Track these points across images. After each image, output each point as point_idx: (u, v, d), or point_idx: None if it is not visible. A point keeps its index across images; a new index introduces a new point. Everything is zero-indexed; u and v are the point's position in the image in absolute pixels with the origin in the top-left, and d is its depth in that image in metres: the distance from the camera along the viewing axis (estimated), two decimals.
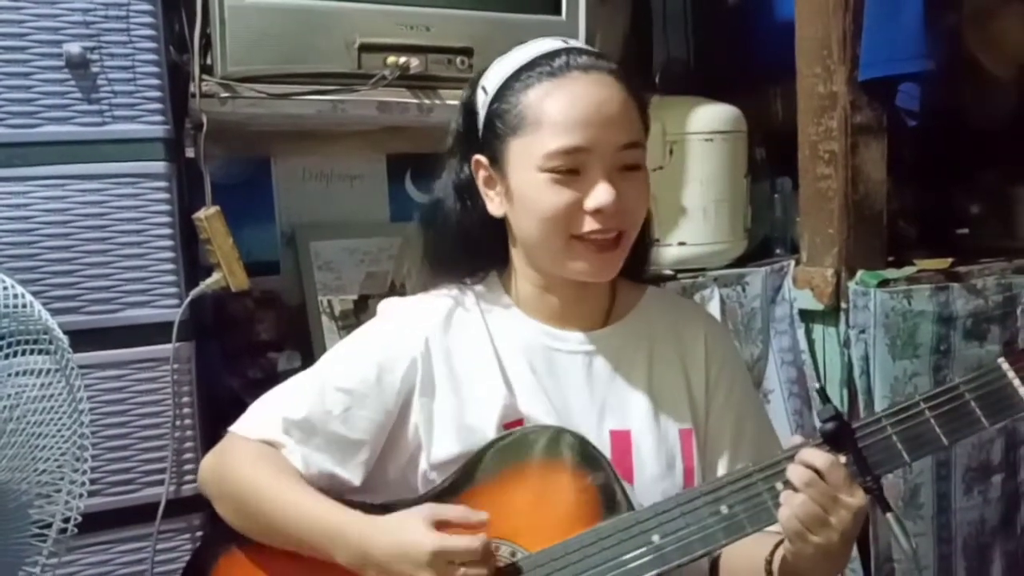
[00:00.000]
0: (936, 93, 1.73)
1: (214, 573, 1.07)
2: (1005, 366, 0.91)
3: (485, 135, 1.05)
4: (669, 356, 1.10)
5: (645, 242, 1.12)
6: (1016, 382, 0.90)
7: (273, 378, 1.56)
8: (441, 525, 0.93)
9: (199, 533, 1.40)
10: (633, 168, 1.01)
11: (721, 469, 1.06)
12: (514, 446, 1.01)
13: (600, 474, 0.97)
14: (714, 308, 1.74)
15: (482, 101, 1.06)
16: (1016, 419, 1.78)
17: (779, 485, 0.91)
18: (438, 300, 1.09)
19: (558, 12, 1.63)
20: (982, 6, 1.93)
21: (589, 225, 0.99)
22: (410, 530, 0.93)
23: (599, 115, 0.98)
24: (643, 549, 0.92)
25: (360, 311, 1.71)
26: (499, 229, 1.08)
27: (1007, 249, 1.97)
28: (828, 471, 0.89)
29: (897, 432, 0.91)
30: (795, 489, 0.89)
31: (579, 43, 1.07)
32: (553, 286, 1.07)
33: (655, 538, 0.92)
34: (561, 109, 0.98)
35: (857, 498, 0.89)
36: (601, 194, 0.98)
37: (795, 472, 0.90)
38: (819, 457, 0.90)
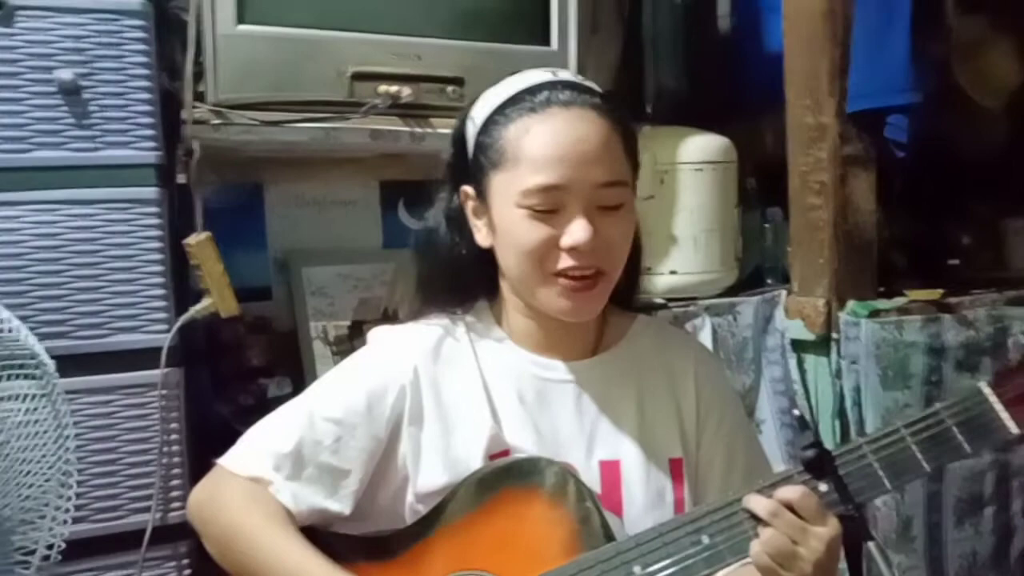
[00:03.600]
0: (924, 124, 1.75)
1: None
2: (987, 391, 0.90)
3: (472, 166, 1.05)
4: (659, 385, 1.09)
5: (635, 271, 1.12)
6: (998, 407, 0.89)
7: (263, 404, 1.55)
8: None
9: (185, 561, 1.38)
10: (615, 208, 1.01)
11: (712, 499, 1.05)
12: (497, 476, 1.00)
13: (582, 504, 0.96)
14: (706, 337, 1.74)
15: (470, 132, 1.06)
16: (1008, 451, 1.81)
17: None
18: (428, 329, 1.09)
19: (548, 43, 1.65)
20: (970, 38, 1.95)
21: (565, 262, 0.99)
22: None
23: (576, 153, 0.97)
24: None
25: (354, 337, 1.71)
26: (489, 258, 1.08)
27: (998, 280, 1.97)
28: (799, 503, 0.88)
29: (878, 459, 0.91)
30: (763, 521, 0.88)
31: (569, 75, 1.06)
32: (541, 316, 1.07)
33: (636, 569, 0.91)
34: (538, 147, 0.98)
35: (829, 527, 0.87)
36: (577, 232, 0.97)
37: (760, 504, 0.89)
38: (789, 490, 0.89)
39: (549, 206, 0.98)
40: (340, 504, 1.03)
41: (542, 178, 0.97)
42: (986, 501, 1.82)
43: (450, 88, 1.55)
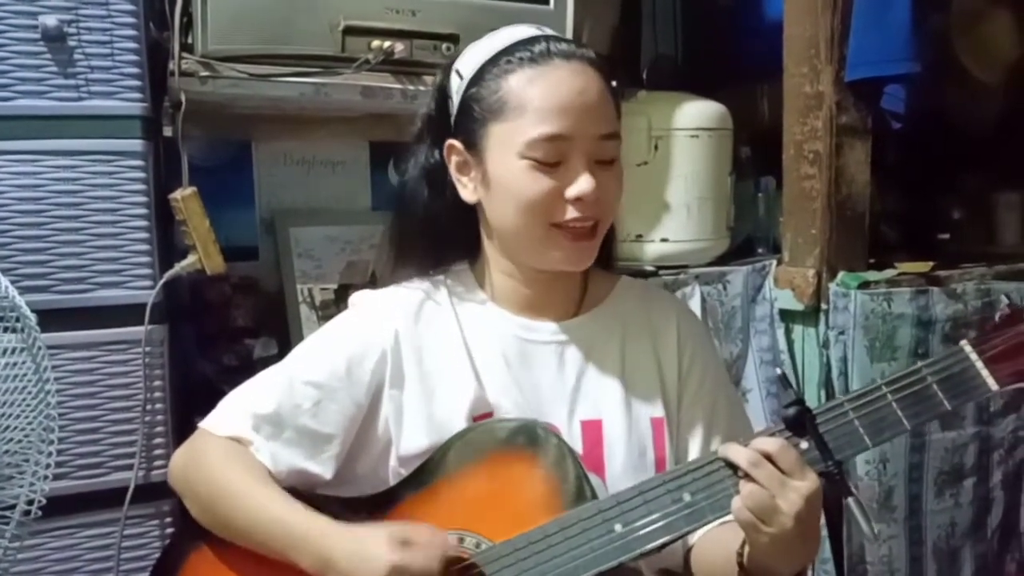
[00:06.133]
0: (922, 96, 1.74)
1: (184, 569, 1.05)
2: (968, 348, 0.91)
3: (460, 120, 1.04)
4: (641, 345, 1.09)
5: (611, 232, 1.12)
6: (979, 365, 0.90)
7: (248, 365, 1.55)
8: (406, 544, 0.91)
9: (168, 520, 1.39)
10: (610, 162, 1.02)
11: (693, 458, 1.05)
12: (480, 438, 1.00)
13: (564, 464, 0.96)
14: (695, 305, 1.74)
15: (456, 86, 1.05)
16: (990, 424, 1.82)
17: (740, 472, 0.90)
18: (409, 292, 1.08)
19: (546, 2, 1.62)
20: (969, 11, 1.93)
21: (569, 213, 0.99)
22: (373, 542, 0.91)
23: (581, 104, 0.98)
24: (606, 538, 0.91)
25: (341, 300, 1.69)
26: (469, 217, 1.08)
27: (988, 255, 1.97)
28: (778, 454, 0.88)
29: (859, 416, 0.91)
30: (744, 472, 0.88)
31: (552, 32, 1.06)
32: (526, 276, 1.07)
33: (617, 527, 0.92)
34: (544, 96, 0.98)
35: (809, 481, 0.87)
36: (583, 183, 0.98)
37: (739, 453, 0.89)
38: (769, 441, 0.89)
39: (553, 157, 0.98)
40: (321, 467, 1.03)
41: (548, 128, 0.97)
42: (967, 473, 1.84)
43: (444, 45, 1.53)
